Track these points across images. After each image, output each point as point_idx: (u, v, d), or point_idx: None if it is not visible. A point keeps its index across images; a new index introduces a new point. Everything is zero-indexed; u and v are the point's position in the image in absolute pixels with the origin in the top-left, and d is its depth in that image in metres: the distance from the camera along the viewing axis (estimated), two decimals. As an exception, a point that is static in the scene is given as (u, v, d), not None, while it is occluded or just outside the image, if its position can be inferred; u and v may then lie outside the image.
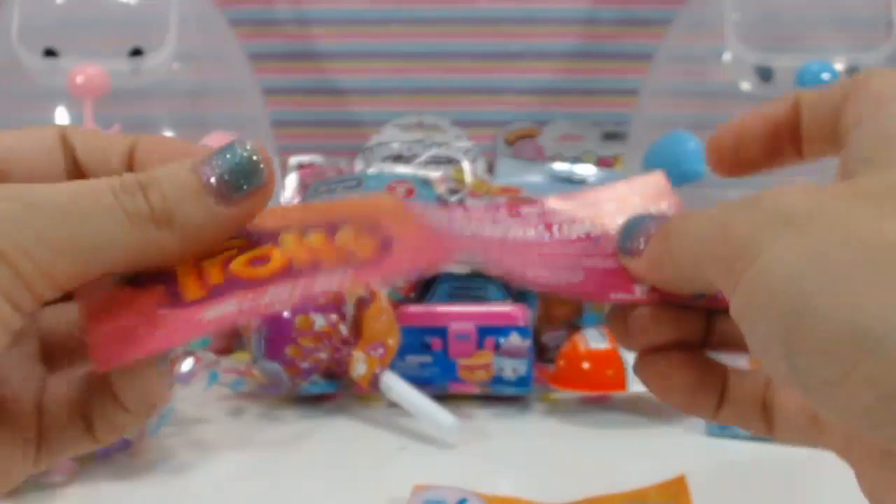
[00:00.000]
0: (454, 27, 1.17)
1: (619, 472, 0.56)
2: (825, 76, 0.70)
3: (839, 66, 0.74)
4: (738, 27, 0.79)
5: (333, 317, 0.66)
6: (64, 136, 0.26)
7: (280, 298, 0.24)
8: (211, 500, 0.55)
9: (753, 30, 0.80)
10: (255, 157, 0.24)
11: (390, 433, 0.64)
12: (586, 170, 0.93)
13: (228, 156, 0.24)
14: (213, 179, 0.24)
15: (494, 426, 0.65)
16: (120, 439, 0.57)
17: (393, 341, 0.65)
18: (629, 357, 0.64)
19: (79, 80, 0.79)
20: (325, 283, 0.24)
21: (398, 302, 0.70)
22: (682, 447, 0.61)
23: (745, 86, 0.80)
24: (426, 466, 0.59)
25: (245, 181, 0.24)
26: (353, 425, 0.66)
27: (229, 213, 0.24)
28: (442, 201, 0.82)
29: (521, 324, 0.67)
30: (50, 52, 0.85)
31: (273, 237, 0.26)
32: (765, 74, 0.77)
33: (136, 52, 0.86)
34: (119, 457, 0.59)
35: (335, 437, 0.64)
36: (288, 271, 0.25)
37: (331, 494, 0.55)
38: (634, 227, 0.26)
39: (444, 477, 0.52)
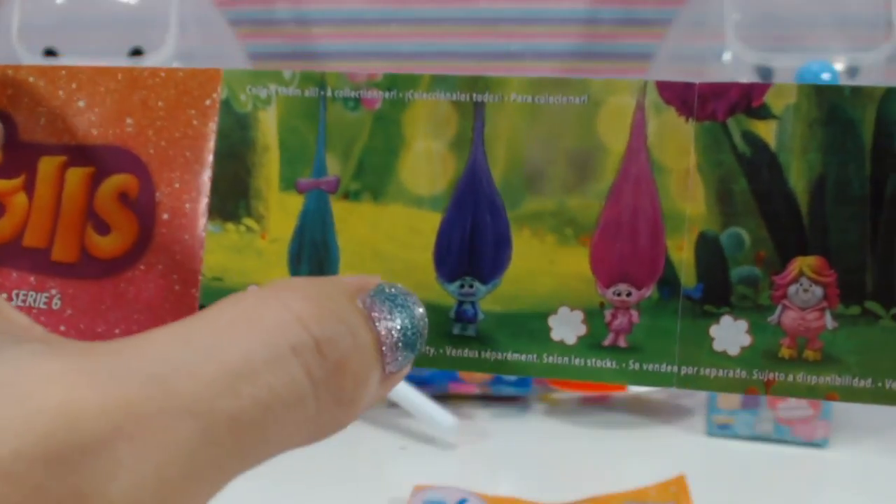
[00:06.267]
0: (454, 27, 1.17)
1: (619, 472, 0.56)
2: (825, 76, 0.70)
3: (839, 66, 0.74)
4: (738, 27, 0.79)
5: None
6: None
7: None
8: (211, 499, 0.55)
9: (753, 30, 0.80)
10: (424, 322, 0.19)
11: (390, 433, 0.64)
12: None
13: (404, 323, 0.19)
14: (389, 356, 0.19)
15: (494, 426, 0.65)
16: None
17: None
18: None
19: (79, 80, 0.79)
20: None
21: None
22: (682, 447, 0.61)
23: (745, 86, 0.80)
24: (426, 466, 0.59)
25: (410, 353, 0.19)
26: (353, 425, 0.66)
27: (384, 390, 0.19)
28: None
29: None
30: (50, 52, 0.85)
31: (27, 153, 0.16)
32: (765, 74, 0.77)
33: (136, 52, 0.86)
34: (119, 457, 0.58)
35: (335, 437, 0.64)
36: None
37: (331, 494, 0.55)
38: None
39: (444, 477, 0.52)
